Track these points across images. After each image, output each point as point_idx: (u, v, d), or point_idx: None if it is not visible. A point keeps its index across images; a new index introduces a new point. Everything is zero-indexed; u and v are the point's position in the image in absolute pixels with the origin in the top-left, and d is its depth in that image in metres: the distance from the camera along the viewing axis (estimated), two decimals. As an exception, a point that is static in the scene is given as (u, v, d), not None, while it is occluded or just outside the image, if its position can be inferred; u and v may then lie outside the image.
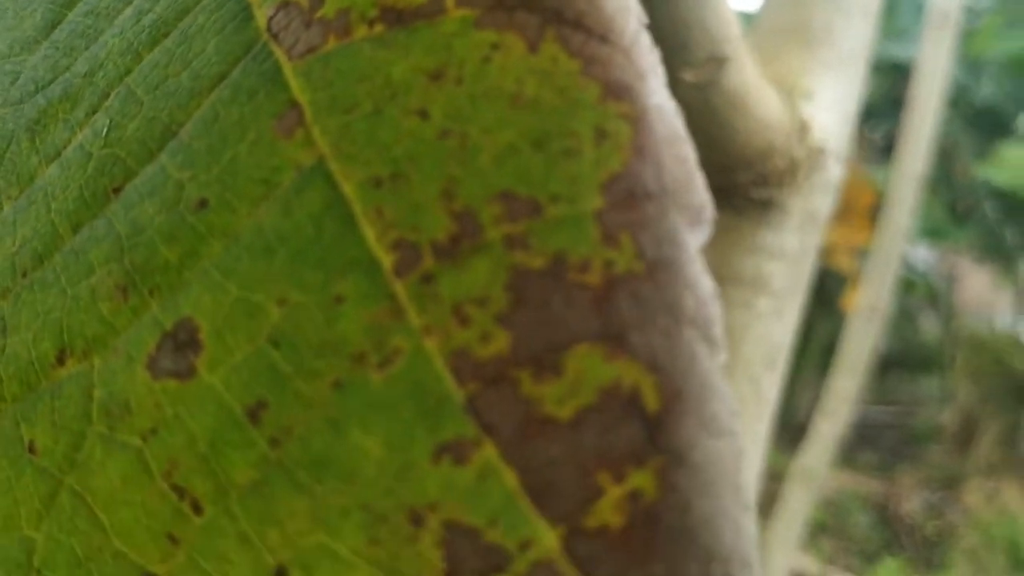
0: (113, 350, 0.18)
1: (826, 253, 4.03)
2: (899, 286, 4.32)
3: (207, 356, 0.17)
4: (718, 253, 0.76)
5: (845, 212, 3.85)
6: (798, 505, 2.18)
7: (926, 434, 4.39)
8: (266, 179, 0.18)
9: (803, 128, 0.73)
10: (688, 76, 0.66)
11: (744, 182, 0.72)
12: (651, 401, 0.15)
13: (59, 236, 0.20)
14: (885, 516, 3.98)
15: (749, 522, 0.15)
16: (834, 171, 0.75)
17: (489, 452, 0.15)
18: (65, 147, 0.21)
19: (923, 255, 4.67)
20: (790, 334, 0.80)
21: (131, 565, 0.17)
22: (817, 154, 0.73)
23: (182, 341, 0.17)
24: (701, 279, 0.16)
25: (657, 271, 0.15)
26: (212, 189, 0.18)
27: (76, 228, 0.20)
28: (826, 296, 4.47)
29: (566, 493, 0.15)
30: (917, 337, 4.76)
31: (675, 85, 0.67)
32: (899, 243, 2.10)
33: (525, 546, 0.15)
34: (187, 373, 0.17)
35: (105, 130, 0.20)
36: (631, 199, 0.16)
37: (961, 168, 4.02)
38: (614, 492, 0.15)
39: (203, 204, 0.18)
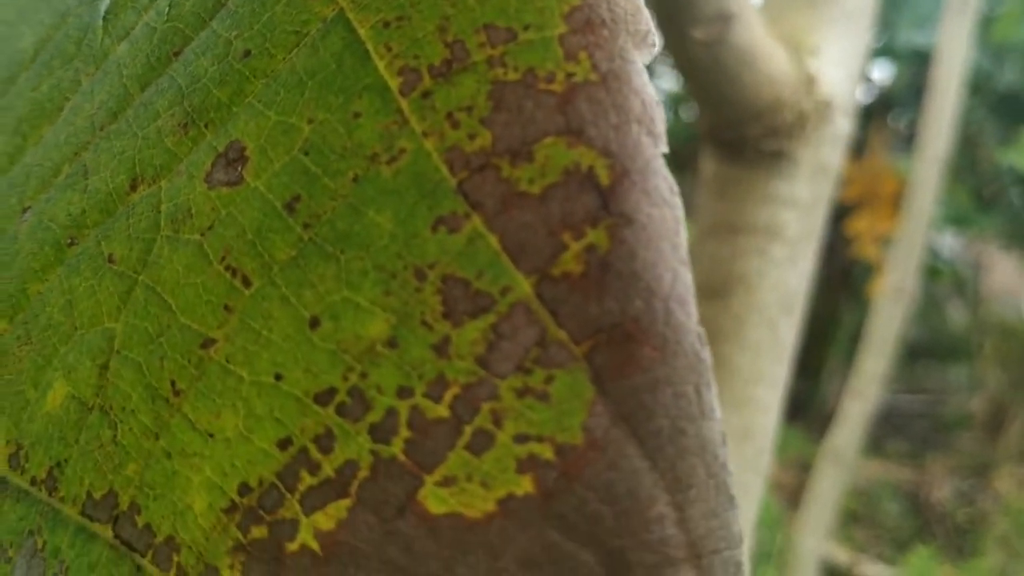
0: (176, 173, 0.22)
1: (852, 242, 4.05)
2: (926, 274, 4.33)
3: (252, 167, 0.21)
4: (732, 203, 0.79)
5: (870, 201, 3.86)
6: (829, 486, 2.20)
7: (956, 422, 4.39)
8: (297, 30, 0.22)
9: (810, 82, 0.76)
10: (697, 33, 0.70)
11: (755, 135, 0.75)
12: (603, 178, 0.19)
13: (129, 95, 0.24)
14: (916, 504, 3.98)
15: (686, 272, 0.19)
16: (842, 124, 0.78)
17: (476, 222, 0.19)
18: (133, 28, 0.25)
19: (949, 243, 4.67)
20: (805, 280, 0.83)
21: (194, 334, 0.21)
22: (824, 107, 0.76)
23: (232, 158, 0.21)
24: (646, 87, 0.20)
25: (609, 80, 0.20)
26: (254, 42, 0.22)
27: (144, 87, 0.24)
28: (853, 286, 4.49)
29: (537, 250, 0.19)
30: (945, 326, 4.77)
31: (684, 43, 0.71)
32: (923, 225, 2.12)
33: (505, 292, 0.19)
34: (237, 181, 0.21)
35: (167, 9, 0.24)
36: (588, 25, 0.20)
37: (986, 155, 4.02)
38: (575, 247, 0.19)
39: (247, 54, 0.22)
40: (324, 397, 0.20)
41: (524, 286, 0.19)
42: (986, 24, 3.65)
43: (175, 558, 0.21)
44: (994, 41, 3.77)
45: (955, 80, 2.06)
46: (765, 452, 0.81)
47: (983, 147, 4.03)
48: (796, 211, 0.78)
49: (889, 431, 4.33)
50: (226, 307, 0.21)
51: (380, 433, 0.19)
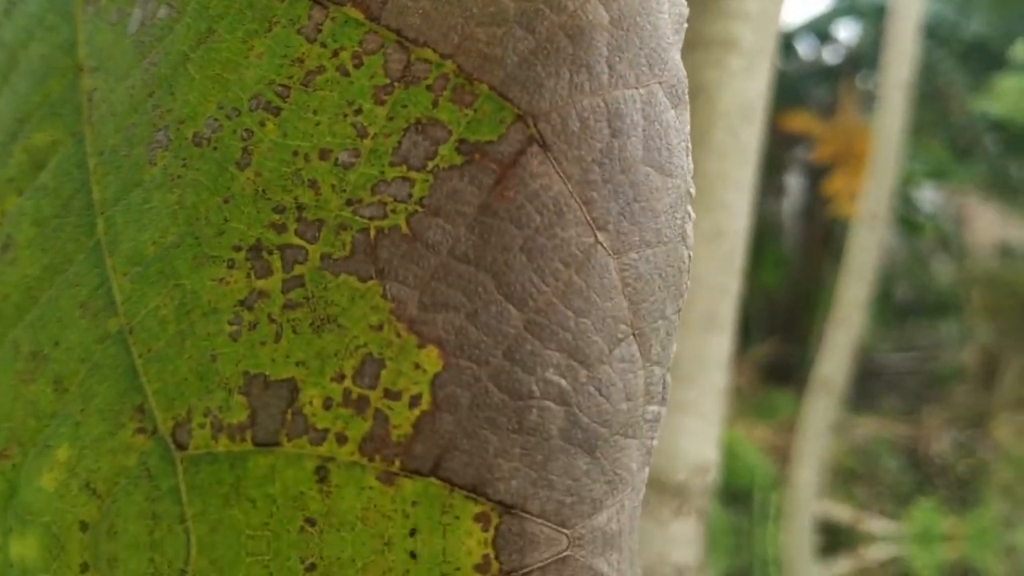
0: None
1: (830, 203, 4.06)
2: (908, 230, 4.33)
3: None
4: (689, 20, 0.82)
5: (844, 160, 3.88)
6: (820, 416, 2.21)
7: (949, 375, 4.40)
8: None
9: None
10: None
11: (704, -49, 0.79)
12: None
13: None
14: (915, 459, 3.99)
15: None
16: (783, -60, 0.83)
17: None
18: None
19: (929, 198, 4.69)
20: (763, 90, 0.86)
21: None
22: (766, -76, 0.80)
23: None
24: None
25: None
26: None
27: None
28: (834, 247, 4.50)
29: None
30: (931, 282, 4.78)
31: None
32: (893, 148, 2.14)
33: None
34: None
35: None
36: None
37: (958, 106, 4.04)
38: None
39: None
40: None
41: None
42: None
43: None
44: (959, -7, 3.78)
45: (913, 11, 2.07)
46: (737, 253, 0.83)
47: (954, 99, 4.05)
48: (748, 24, 0.82)
49: (883, 389, 4.34)
50: None
51: None
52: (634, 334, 0.23)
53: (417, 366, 0.23)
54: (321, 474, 0.23)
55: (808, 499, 2.19)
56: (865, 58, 4.36)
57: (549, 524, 0.22)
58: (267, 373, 0.24)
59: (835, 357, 2.17)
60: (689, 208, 0.25)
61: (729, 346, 0.87)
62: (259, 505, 0.23)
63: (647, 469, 0.23)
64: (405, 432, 0.22)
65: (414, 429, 0.22)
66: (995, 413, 4.00)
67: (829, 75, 4.63)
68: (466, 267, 0.24)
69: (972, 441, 4.01)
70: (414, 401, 0.22)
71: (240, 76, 0.27)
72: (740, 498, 3.20)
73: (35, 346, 0.28)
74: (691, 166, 0.25)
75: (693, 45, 0.82)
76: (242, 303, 0.25)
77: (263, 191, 0.26)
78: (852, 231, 2.22)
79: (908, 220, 4.25)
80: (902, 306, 4.77)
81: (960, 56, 4.00)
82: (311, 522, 0.23)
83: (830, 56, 4.73)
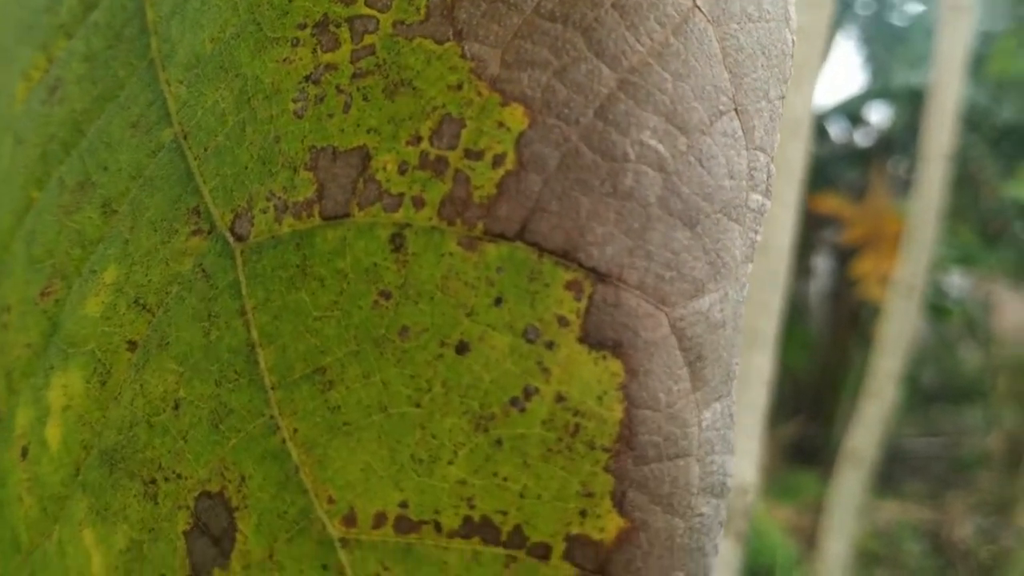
0: None
1: (858, 284, 4.03)
2: (935, 315, 4.29)
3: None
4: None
5: (874, 242, 3.86)
6: (850, 489, 2.16)
7: (974, 461, 4.34)
8: None
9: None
10: None
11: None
12: None
13: None
14: (938, 544, 3.92)
15: None
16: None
17: None
18: None
19: (957, 283, 4.66)
20: (809, 105, 0.85)
21: None
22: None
23: None
24: None
25: None
26: None
27: None
28: (861, 328, 4.46)
29: None
30: (958, 367, 4.73)
31: None
32: (932, 221, 2.12)
33: None
34: None
35: None
36: None
37: (988, 191, 4.03)
38: None
39: None
40: None
41: None
42: (982, 61, 3.68)
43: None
44: (991, 77, 3.78)
45: (953, 82, 2.07)
46: (781, 271, 0.82)
47: (985, 184, 4.03)
48: (796, 38, 0.81)
49: (907, 473, 4.28)
50: None
51: None
52: (736, 109, 0.21)
53: (500, 124, 0.21)
54: (396, 242, 0.21)
55: (838, 571, 2.14)
56: (897, 142, 4.36)
57: (648, 299, 0.20)
58: (336, 144, 0.22)
59: (867, 430, 2.13)
60: (791, -10, 0.22)
61: (771, 365, 0.85)
62: (328, 283, 0.21)
63: (750, 266, 0.21)
64: (488, 193, 0.21)
65: (498, 190, 0.20)
66: (1019, 500, 3.94)
67: (860, 158, 4.63)
68: (552, 24, 0.22)
69: (996, 528, 3.95)
70: (497, 160, 0.21)
71: None
72: (762, 578, 3.15)
73: (82, 176, 0.27)
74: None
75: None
76: (307, 78, 0.23)
77: None
78: (887, 302, 2.19)
79: (936, 305, 4.22)
80: (928, 391, 4.73)
81: (992, 142, 4.00)
82: (386, 295, 0.21)
83: (861, 139, 4.74)
